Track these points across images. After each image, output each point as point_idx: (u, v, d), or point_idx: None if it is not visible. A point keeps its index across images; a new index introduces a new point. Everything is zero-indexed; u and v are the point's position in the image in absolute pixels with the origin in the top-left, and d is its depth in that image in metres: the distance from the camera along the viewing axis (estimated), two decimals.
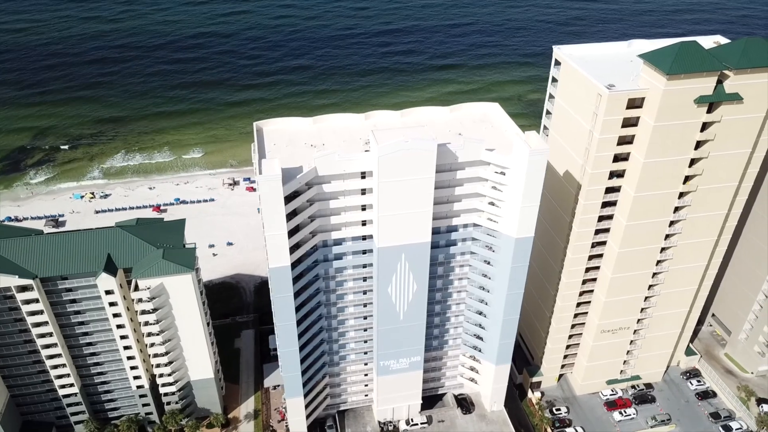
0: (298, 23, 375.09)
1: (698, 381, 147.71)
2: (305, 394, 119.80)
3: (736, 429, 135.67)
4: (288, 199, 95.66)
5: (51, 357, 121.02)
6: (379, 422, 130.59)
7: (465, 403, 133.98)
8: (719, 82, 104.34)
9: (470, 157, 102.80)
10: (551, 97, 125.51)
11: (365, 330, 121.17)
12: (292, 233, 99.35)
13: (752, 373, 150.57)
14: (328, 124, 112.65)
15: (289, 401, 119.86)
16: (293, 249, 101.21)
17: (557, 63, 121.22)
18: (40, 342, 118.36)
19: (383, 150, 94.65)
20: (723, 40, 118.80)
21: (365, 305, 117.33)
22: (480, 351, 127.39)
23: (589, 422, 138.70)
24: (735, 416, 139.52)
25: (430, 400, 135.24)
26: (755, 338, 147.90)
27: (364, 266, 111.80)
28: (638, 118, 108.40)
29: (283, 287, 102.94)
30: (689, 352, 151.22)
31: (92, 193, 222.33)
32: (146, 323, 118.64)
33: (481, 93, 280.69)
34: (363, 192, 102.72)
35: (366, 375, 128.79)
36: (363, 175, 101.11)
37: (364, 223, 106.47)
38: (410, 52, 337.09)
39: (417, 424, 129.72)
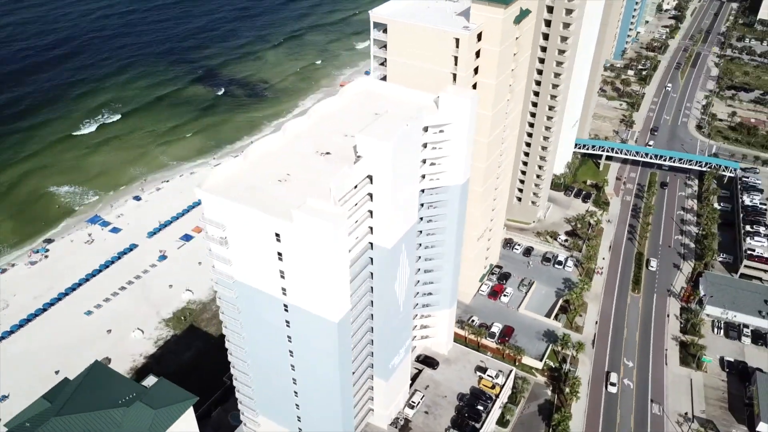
0: None
1: (517, 245, 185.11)
2: None
3: (563, 259, 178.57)
4: None
5: None
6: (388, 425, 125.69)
7: (429, 360, 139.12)
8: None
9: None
10: (377, 58, 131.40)
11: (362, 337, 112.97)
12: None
13: (533, 222, 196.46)
14: (258, 155, 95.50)
15: None
16: None
17: (377, 25, 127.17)
18: None
19: (394, 143, 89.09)
20: None
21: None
22: (432, 306, 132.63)
23: (489, 316, 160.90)
24: (554, 254, 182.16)
25: None
26: (527, 198, 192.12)
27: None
28: (479, 50, 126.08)
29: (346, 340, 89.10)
30: None
31: None
32: None
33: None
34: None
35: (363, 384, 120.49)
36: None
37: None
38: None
39: (417, 402, 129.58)
